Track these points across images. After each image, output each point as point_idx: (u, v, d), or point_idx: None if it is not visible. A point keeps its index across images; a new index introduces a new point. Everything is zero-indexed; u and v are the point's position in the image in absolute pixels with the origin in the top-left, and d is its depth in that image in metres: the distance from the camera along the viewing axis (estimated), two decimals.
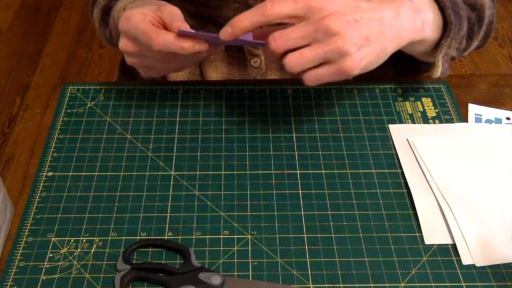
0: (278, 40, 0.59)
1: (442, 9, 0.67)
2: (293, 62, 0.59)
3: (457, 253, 0.60)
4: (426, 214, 0.63)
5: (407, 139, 0.71)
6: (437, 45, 0.69)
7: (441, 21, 0.68)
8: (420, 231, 0.62)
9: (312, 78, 0.61)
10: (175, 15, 0.65)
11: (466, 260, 0.59)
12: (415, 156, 0.69)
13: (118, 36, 0.71)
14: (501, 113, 0.75)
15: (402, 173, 0.68)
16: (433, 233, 0.62)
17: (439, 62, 0.69)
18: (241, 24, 0.60)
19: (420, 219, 0.63)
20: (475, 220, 0.62)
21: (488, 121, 0.74)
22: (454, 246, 0.61)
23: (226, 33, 0.61)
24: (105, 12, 0.77)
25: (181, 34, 0.63)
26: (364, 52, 0.60)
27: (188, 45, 0.63)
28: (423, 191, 0.65)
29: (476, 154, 0.69)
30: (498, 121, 0.74)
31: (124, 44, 0.66)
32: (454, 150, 0.70)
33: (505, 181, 0.66)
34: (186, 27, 0.64)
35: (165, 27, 0.65)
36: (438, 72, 0.70)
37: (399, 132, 0.72)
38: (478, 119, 0.74)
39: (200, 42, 0.63)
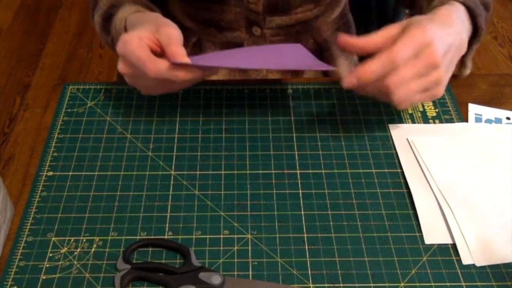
0: (399, 85, 0.62)
1: (473, 16, 0.70)
2: (403, 98, 0.63)
3: (457, 253, 0.60)
4: (426, 214, 0.63)
5: (407, 139, 0.71)
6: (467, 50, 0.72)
7: (470, 25, 0.70)
8: (420, 231, 0.62)
9: (406, 103, 0.64)
10: (172, 38, 0.64)
11: (466, 260, 0.59)
12: (415, 156, 0.69)
13: None
14: (501, 113, 0.75)
15: (402, 173, 0.68)
16: (433, 233, 0.62)
17: (469, 63, 0.74)
18: (369, 77, 0.62)
19: (420, 219, 0.63)
20: (475, 220, 0.62)
21: (488, 121, 0.74)
22: (454, 246, 0.61)
23: (351, 83, 0.63)
24: (106, 18, 0.77)
25: (176, 64, 0.62)
26: (447, 77, 0.66)
27: (181, 74, 0.63)
28: (423, 191, 0.65)
29: (476, 154, 0.69)
30: (498, 121, 0.74)
31: (121, 67, 0.66)
32: (454, 150, 0.70)
33: (505, 181, 0.66)
34: (181, 51, 0.63)
35: (162, 50, 0.65)
36: (467, 71, 0.75)
37: (399, 132, 0.72)
38: (478, 119, 0.74)
39: (194, 70, 0.63)
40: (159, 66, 0.62)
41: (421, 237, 0.61)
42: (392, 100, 0.63)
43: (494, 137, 0.71)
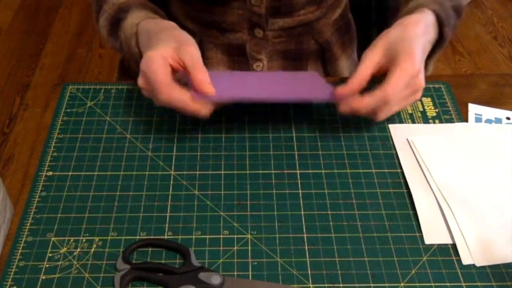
0: (385, 111, 0.67)
1: (440, 25, 0.72)
2: (385, 117, 0.68)
3: (457, 253, 0.60)
4: (426, 214, 0.63)
5: (407, 139, 0.71)
6: (429, 55, 0.73)
7: (436, 33, 0.72)
8: (420, 231, 0.62)
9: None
10: (195, 59, 0.66)
11: (466, 260, 0.59)
12: (415, 156, 0.69)
13: (129, 49, 0.73)
14: (501, 113, 0.75)
15: (402, 173, 0.68)
16: (433, 233, 0.62)
17: (431, 67, 0.76)
18: (362, 111, 0.67)
19: (420, 219, 0.63)
20: (475, 220, 0.62)
21: (488, 121, 0.74)
22: (454, 246, 0.61)
23: (345, 111, 0.68)
24: (113, 23, 0.77)
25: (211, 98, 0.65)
26: None
27: (196, 107, 0.65)
28: (423, 191, 0.65)
29: (476, 153, 0.69)
30: (498, 121, 0.74)
31: (141, 82, 0.68)
32: (454, 150, 0.70)
33: (505, 181, 0.66)
34: (207, 79, 0.65)
35: (185, 70, 0.66)
36: (428, 73, 0.76)
37: (399, 132, 0.72)
38: (478, 119, 0.74)
39: (211, 103, 0.66)
40: (173, 96, 0.64)
41: (421, 237, 0.61)
42: (375, 119, 0.68)
43: (494, 137, 0.71)
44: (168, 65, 0.66)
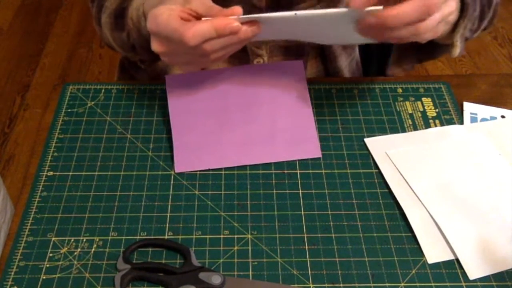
0: (430, 29, 0.61)
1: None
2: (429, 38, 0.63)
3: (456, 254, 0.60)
4: (423, 232, 0.61)
5: (386, 153, 0.69)
6: (454, 26, 0.70)
7: (458, 3, 0.68)
8: None
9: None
10: (207, 2, 0.62)
11: (472, 274, 0.58)
12: (398, 170, 0.67)
13: (139, 32, 0.70)
14: (496, 111, 0.75)
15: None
16: (434, 251, 0.60)
17: (457, 42, 0.71)
18: (402, 20, 0.58)
19: (418, 239, 0.61)
20: (469, 229, 0.61)
21: (484, 120, 0.74)
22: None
23: (378, 22, 0.59)
24: (117, 15, 0.76)
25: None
26: None
27: (238, 25, 0.61)
28: (415, 207, 0.63)
29: (453, 158, 0.68)
30: (493, 119, 0.74)
31: (156, 45, 0.64)
32: (432, 158, 0.68)
33: (484, 181, 0.65)
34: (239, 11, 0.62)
35: (197, 15, 0.63)
36: (456, 51, 0.71)
37: (376, 145, 0.70)
38: (473, 118, 0.74)
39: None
40: (199, 29, 0.59)
41: None
42: (419, 39, 0.62)
43: (467, 138, 0.70)
44: (177, 15, 0.61)
